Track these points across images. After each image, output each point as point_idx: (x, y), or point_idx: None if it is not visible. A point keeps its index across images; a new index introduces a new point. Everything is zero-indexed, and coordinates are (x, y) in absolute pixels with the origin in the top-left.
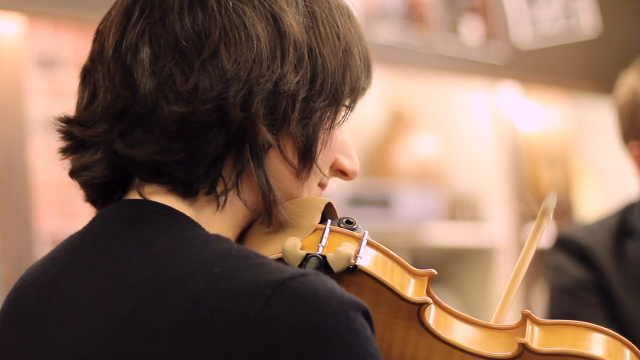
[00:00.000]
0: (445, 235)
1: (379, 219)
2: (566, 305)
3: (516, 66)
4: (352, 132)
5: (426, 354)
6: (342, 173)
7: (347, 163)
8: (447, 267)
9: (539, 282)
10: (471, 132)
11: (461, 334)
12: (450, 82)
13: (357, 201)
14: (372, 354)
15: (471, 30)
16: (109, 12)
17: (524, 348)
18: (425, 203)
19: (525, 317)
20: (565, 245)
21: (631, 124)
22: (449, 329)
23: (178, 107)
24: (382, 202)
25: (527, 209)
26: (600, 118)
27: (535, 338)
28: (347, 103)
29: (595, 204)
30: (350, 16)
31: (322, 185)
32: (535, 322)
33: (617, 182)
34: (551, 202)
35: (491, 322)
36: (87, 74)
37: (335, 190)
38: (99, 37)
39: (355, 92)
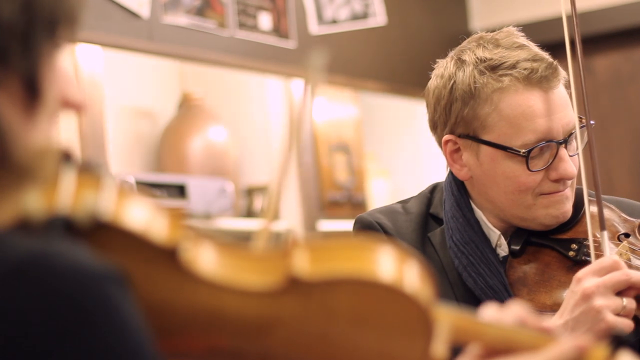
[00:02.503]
0: (239, 226)
1: None
2: None
3: (305, 54)
4: (142, 118)
5: (191, 296)
6: (71, 106)
7: (73, 95)
8: None
9: None
10: (260, 122)
11: (225, 269)
12: (242, 69)
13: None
14: (134, 326)
15: (264, 17)
16: None
17: (292, 280)
18: (218, 195)
19: (293, 242)
20: (369, 227)
21: (446, 117)
22: (211, 265)
23: None
24: (175, 194)
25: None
26: (385, 107)
27: (305, 266)
28: (65, 33)
29: (384, 193)
30: None
31: (54, 124)
32: (305, 246)
33: (404, 171)
34: (317, 59)
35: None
36: None
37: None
38: None
39: (73, 22)
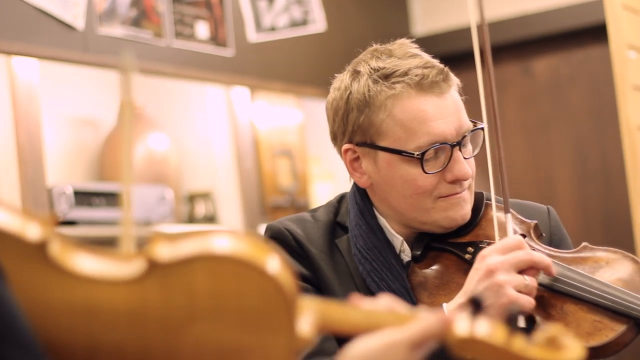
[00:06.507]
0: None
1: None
2: None
3: (244, 62)
4: (82, 127)
5: (65, 290)
6: None
7: None
8: None
9: None
10: (201, 129)
11: (93, 263)
12: (181, 78)
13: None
14: (8, 304)
15: (202, 26)
16: None
17: (151, 263)
18: (158, 202)
19: (155, 237)
20: (278, 234)
21: (344, 126)
22: (79, 260)
23: None
24: (115, 202)
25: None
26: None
27: (162, 251)
28: None
29: (327, 196)
30: None
31: None
32: (164, 237)
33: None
34: (127, 59)
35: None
36: None
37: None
38: None
39: None
